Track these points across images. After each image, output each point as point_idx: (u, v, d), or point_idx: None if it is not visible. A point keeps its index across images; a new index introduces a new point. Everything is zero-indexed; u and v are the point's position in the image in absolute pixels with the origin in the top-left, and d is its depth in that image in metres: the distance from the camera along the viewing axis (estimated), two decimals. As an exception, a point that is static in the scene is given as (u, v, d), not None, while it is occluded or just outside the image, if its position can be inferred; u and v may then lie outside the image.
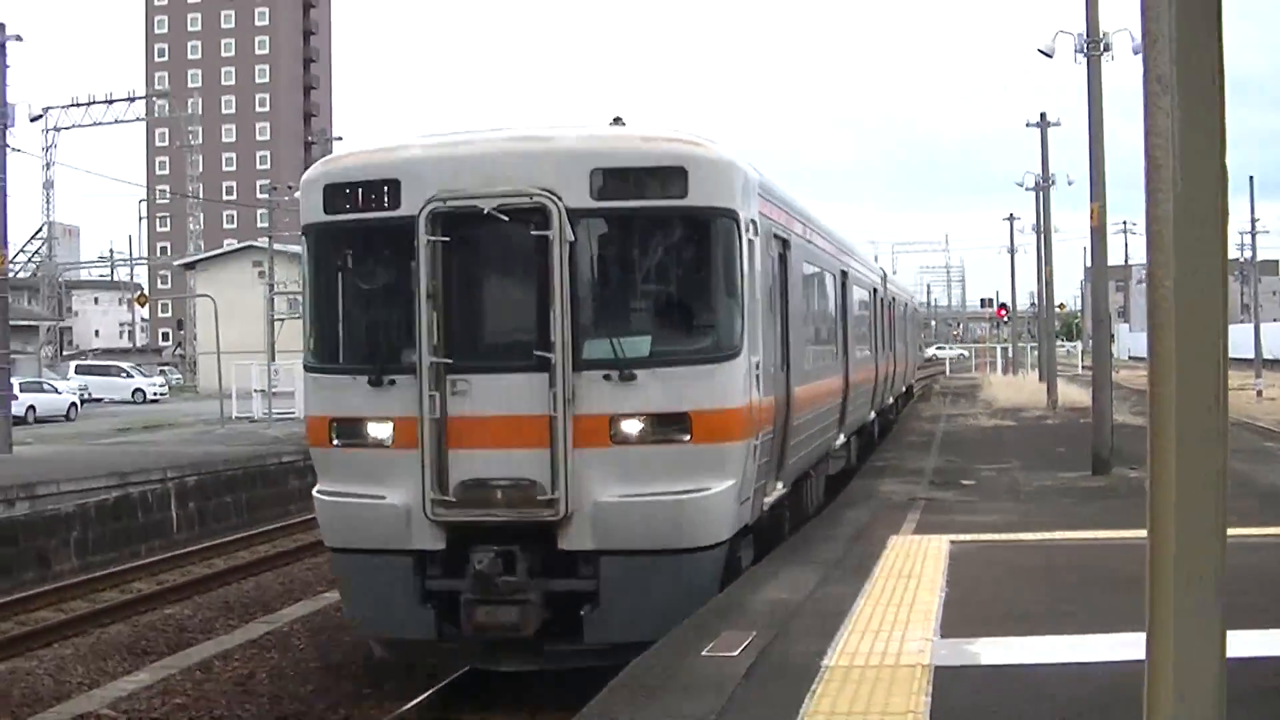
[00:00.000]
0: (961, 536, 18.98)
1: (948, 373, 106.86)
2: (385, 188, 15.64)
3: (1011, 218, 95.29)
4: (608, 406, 15.22)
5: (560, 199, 15.08)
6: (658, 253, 16.05)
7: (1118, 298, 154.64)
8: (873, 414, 36.06)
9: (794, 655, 12.02)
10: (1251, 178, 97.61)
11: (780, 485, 18.98)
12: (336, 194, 16.00)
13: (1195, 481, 3.96)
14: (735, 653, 12.10)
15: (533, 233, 15.15)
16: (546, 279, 15.18)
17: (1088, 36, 30.47)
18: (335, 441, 16.11)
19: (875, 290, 37.04)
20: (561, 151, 15.61)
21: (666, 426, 15.34)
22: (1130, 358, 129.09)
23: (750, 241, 16.06)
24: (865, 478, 30.08)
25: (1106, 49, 30.55)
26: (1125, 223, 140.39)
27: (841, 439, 27.23)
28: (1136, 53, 32.20)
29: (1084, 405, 46.22)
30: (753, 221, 16.28)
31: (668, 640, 13.16)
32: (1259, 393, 66.41)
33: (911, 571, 16.15)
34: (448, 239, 15.33)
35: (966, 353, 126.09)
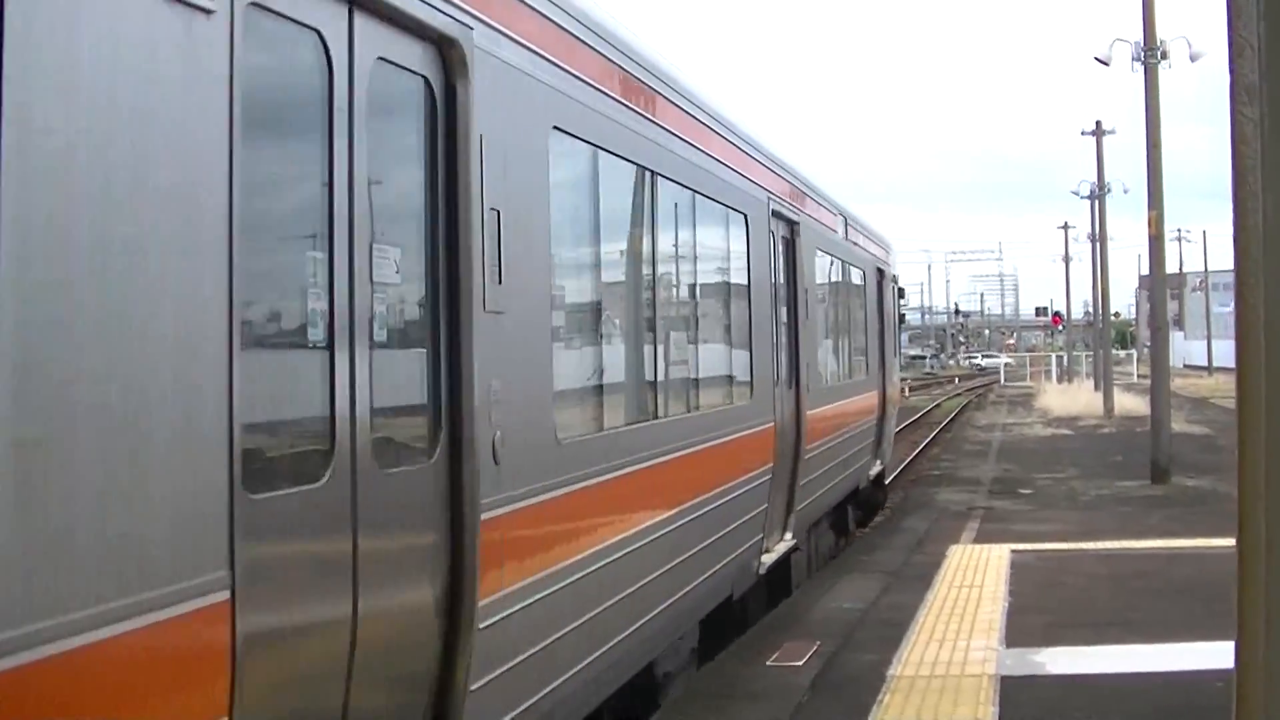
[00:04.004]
0: (1022, 545, 18.93)
1: (1001, 381, 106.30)
2: None
3: (1066, 226, 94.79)
4: None
5: None
6: None
7: (1172, 305, 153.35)
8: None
9: (859, 665, 12.03)
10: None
11: None
12: None
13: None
14: (800, 662, 12.13)
15: None
16: None
17: (1145, 44, 30.33)
18: None
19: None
20: None
21: None
22: (1185, 366, 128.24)
23: None
24: (922, 486, 30.01)
25: (1164, 56, 30.41)
26: (1179, 231, 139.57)
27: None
28: (1194, 60, 32.09)
29: (1140, 414, 45.94)
30: None
31: (733, 650, 13.19)
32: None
33: (973, 581, 16.12)
34: None
35: (1012, 361, 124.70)
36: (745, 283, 14.35)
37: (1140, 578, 16.13)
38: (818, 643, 12.84)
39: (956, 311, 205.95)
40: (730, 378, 13.95)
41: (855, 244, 23.15)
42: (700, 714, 10.70)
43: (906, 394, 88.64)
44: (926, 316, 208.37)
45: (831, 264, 20.43)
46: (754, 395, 14.17)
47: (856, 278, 23.43)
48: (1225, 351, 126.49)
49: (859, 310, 23.75)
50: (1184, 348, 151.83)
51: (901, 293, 33.76)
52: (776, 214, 15.72)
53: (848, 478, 20.60)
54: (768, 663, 12.22)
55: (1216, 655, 11.79)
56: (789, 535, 15.93)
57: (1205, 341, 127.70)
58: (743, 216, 14.14)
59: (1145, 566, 17.00)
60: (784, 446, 15.53)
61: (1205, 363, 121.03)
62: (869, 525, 25.04)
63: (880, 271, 26.76)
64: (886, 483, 28.37)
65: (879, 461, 24.93)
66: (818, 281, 18.48)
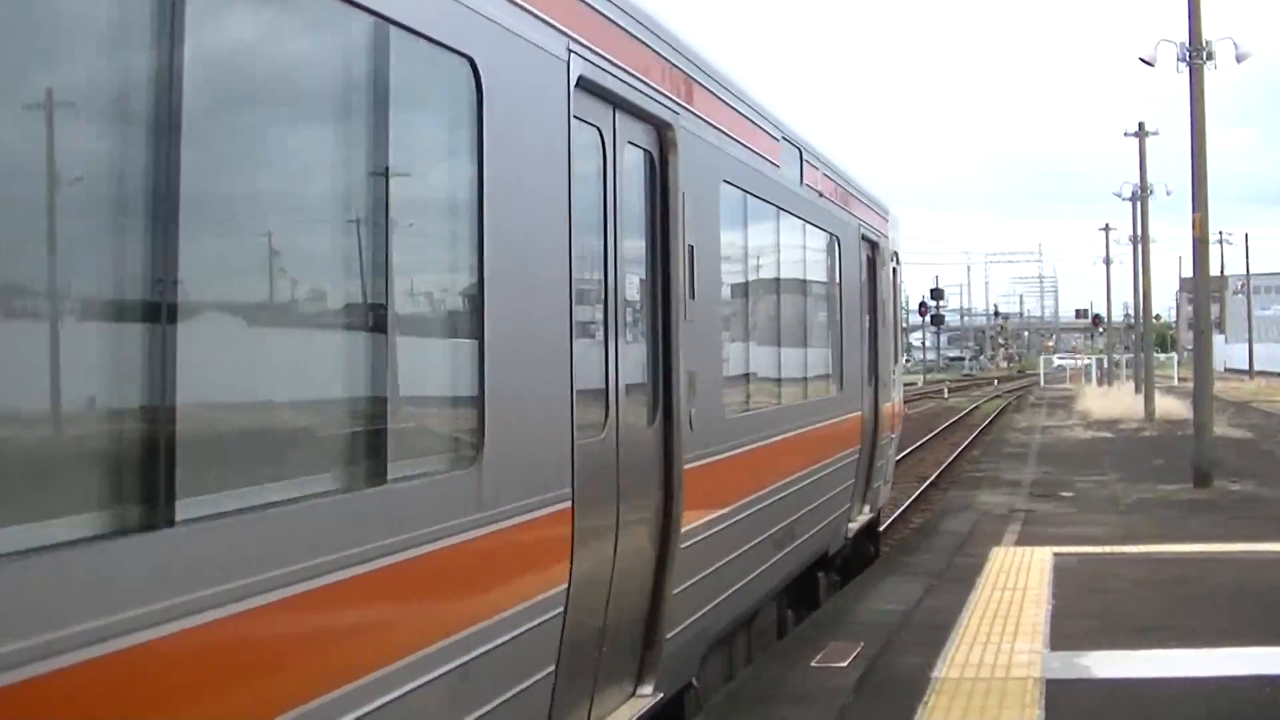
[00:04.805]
0: (1064, 548, 18.87)
1: (1041, 384, 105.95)
2: None
3: (1107, 228, 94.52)
4: None
5: None
6: None
7: (1213, 309, 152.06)
8: None
9: (903, 667, 12.02)
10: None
11: None
12: None
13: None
14: (844, 664, 12.12)
15: None
16: None
17: (1190, 45, 30.17)
18: None
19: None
20: None
21: None
22: (1226, 369, 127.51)
23: None
24: (963, 488, 29.95)
25: (1209, 57, 30.24)
26: (1221, 234, 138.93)
27: None
28: (1240, 61, 31.92)
29: (1181, 417, 45.76)
30: None
31: (776, 650, 13.20)
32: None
33: (1015, 583, 16.08)
34: None
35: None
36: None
37: (1184, 582, 16.06)
38: (861, 644, 12.83)
39: (996, 313, 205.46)
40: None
41: (821, 195, 15.94)
42: (746, 715, 10.71)
43: (946, 395, 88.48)
44: (966, 318, 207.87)
45: (766, 216, 13.38)
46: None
47: (820, 245, 16.16)
48: (1267, 355, 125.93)
49: (826, 295, 16.71)
50: (1225, 351, 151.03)
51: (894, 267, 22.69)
52: (622, 106, 8.99)
53: (798, 549, 14.21)
54: (811, 664, 12.22)
55: (1264, 661, 11.80)
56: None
57: (1246, 345, 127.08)
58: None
59: (1189, 571, 16.92)
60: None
61: (1246, 366, 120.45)
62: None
63: (871, 244, 19.75)
64: (882, 529, 22.73)
65: (867, 507, 19.22)
66: (726, 240, 11.48)
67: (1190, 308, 36.49)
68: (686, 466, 9.61)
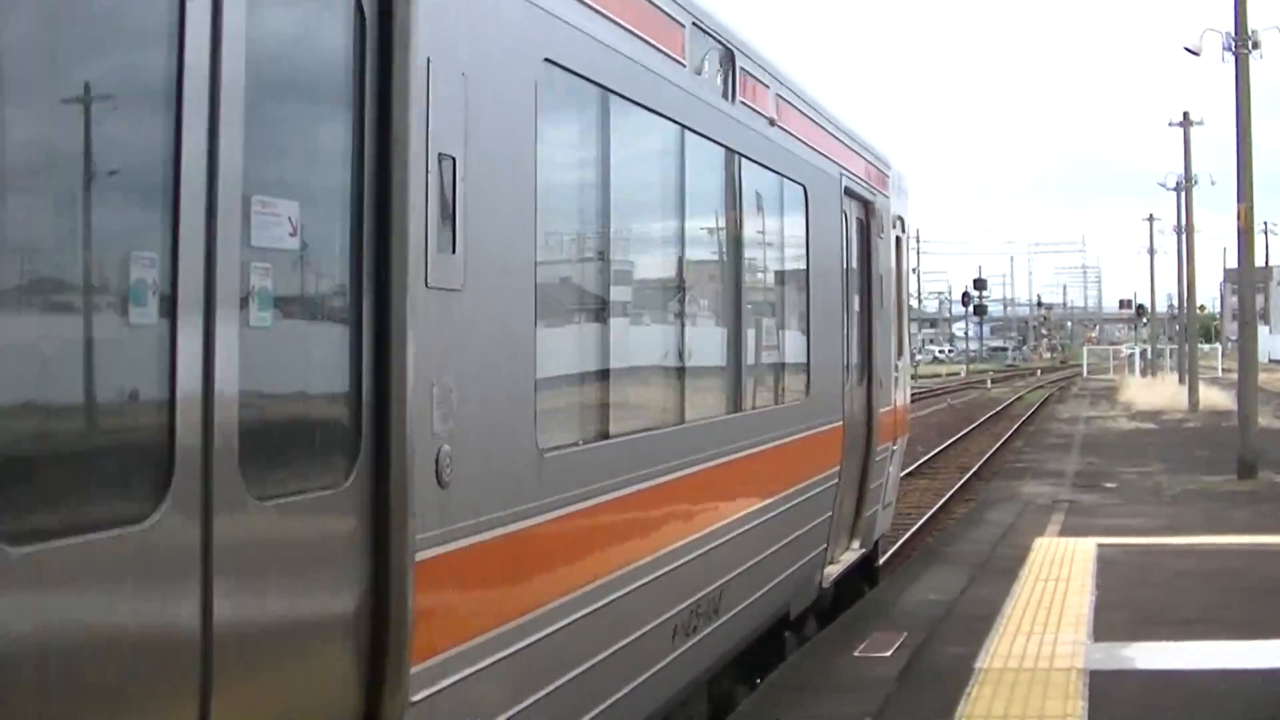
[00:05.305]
0: (1108, 539, 18.82)
1: (1084, 374, 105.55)
2: None
3: (1151, 218, 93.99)
4: None
5: None
6: None
7: (1257, 299, 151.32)
8: None
9: (946, 657, 12.02)
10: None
11: None
12: None
13: None
14: (888, 654, 12.13)
15: None
16: None
17: (1235, 34, 30.03)
18: None
19: None
20: None
21: None
22: (1270, 360, 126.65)
23: None
24: (1006, 479, 29.90)
25: (1255, 46, 30.08)
26: (1265, 224, 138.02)
27: None
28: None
29: (1226, 408, 45.58)
30: None
31: (820, 639, 13.22)
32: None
33: (1059, 574, 16.06)
34: None
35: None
36: None
37: (1228, 574, 16.00)
38: (904, 634, 12.83)
39: (1039, 303, 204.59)
40: None
41: (772, 122, 11.78)
42: (790, 705, 10.73)
43: (989, 386, 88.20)
44: (1009, 308, 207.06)
45: (653, 134, 9.33)
46: None
47: (768, 192, 12.03)
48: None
49: (780, 265, 12.95)
50: (1269, 342, 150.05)
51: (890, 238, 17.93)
52: None
53: (725, 627, 10.37)
54: (855, 654, 12.24)
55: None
56: None
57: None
58: None
59: (1233, 563, 16.86)
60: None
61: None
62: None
63: (862, 204, 15.51)
64: (880, 563, 18.41)
65: (856, 542, 15.44)
66: (555, 157, 7.68)
67: (1235, 298, 36.36)
68: (426, 556, 5.61)
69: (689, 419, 9.58)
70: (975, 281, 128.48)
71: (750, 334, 11.46)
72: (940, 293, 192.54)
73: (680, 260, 9.80)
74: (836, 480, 13.77)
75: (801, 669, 11.98)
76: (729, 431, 10.45)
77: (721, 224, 10.96)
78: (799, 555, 12.47)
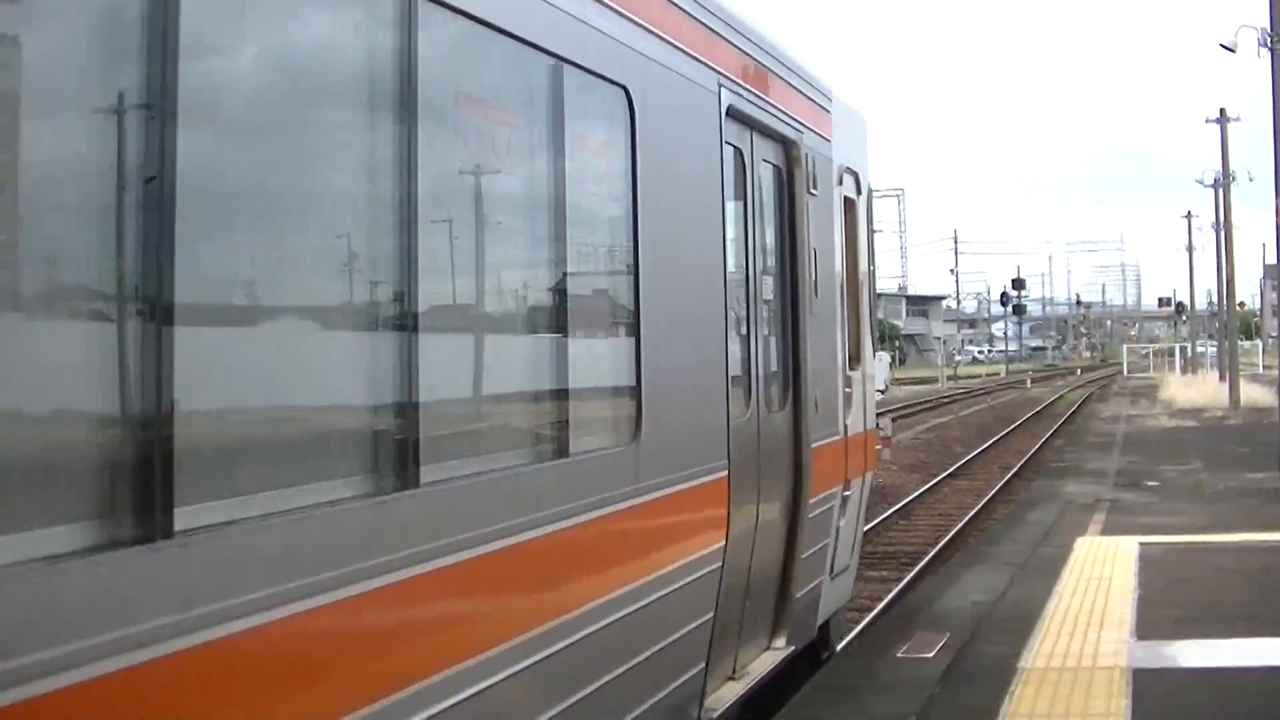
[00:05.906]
0: (1150, 538, 18.79)
1: (1124, 373, 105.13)
2: None
3: (1189, 215, 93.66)
4: None
5: None
6: None
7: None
8: None
9: (989, 657, 12.04)
10: None
11: None
12: None
13: None
14: (931, 654, 12.16)
15: None
16: None
17: (1271, 30, 29.94)
18: None
19: None
20: None
21: None
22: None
23: None
24: (1047, 478, 29.85)
25: (1291, 42, 29.98)
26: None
27: None
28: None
29: (1267, 405, 45.32)
30: None
31: (863, 640, 13.26)
32: None
33: (1101, 573, 16.05)
34: None
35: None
36: None
37: (1272, 571, 15.97)
38: (947, 634, 12.86)
39: (1078, 302, 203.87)
40: None
41: None
42: (833, 705, 10.78)
43: (1029, 385, 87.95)
44: (1048, 308, 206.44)
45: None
46: None
47: (536, 93, 7.02)
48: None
49: (550, 220, 7.16)
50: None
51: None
52: None
53: None
54: (898, 654, 12.27)
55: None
56: None
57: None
58: None
59: (1276, 560, 16.82)
60: None
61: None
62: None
63: (782, 144, 10.98)
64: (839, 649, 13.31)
65: (781, 638, 10.92)
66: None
67: (1274, 294, 36.14)
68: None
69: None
70: (1014, 281, 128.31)
71: (485, 340, 6.66)
72: (979, 293, 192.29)
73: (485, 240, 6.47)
74: (719, 563, 8.94)
75: (843, 670, 12.03)
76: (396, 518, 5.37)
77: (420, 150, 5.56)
78: (643, 693, 7.88)
